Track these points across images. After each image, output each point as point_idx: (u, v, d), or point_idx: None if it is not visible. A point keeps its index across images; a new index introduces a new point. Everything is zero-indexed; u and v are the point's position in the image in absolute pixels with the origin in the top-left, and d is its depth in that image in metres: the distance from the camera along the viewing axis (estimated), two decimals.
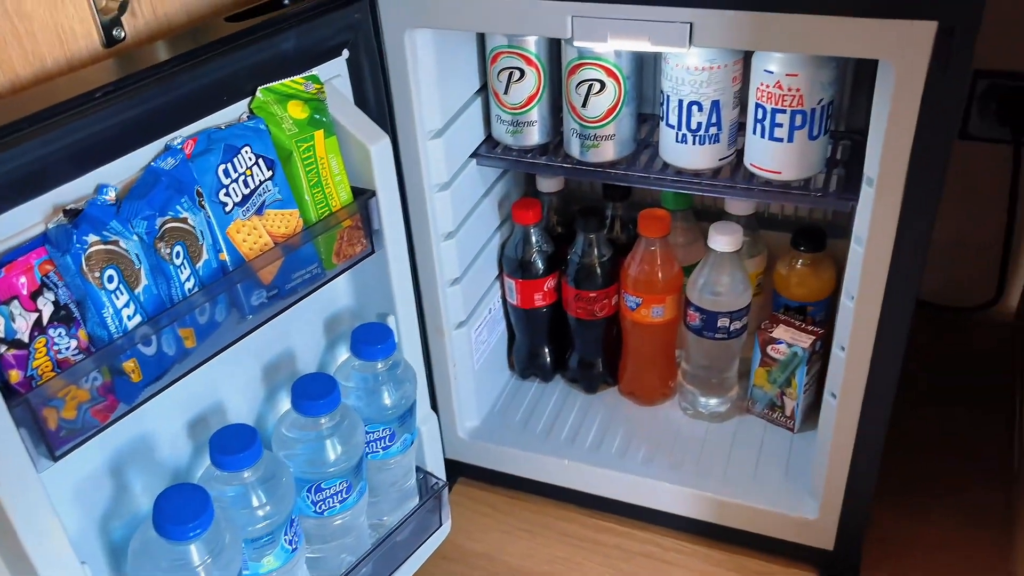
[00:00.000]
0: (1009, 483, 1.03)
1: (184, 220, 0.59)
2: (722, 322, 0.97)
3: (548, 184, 1.05)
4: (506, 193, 1.06)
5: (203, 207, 0.61)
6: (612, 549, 1.00)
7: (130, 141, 0.59)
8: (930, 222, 0.71)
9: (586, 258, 1.02)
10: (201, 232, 0.61)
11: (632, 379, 1.09)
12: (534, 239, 1.03)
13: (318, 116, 0.67)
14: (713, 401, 1.05)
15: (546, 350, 1.12)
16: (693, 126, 0.84)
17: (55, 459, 0.53)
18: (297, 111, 0.66)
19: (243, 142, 0.63)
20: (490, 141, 0.96)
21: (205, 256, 0.61)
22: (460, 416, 1.04)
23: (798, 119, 0.80)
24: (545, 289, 1.05)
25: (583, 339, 1.09)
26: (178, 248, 0.59)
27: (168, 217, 0.58)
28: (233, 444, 0.64)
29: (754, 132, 0.83)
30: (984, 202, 1.20)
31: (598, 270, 1.02)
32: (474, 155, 0.95)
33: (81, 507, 0.61)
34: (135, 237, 0.57)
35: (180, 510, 0.58)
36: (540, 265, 1.04)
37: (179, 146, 0.61)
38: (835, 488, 0.89)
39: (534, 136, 0.93)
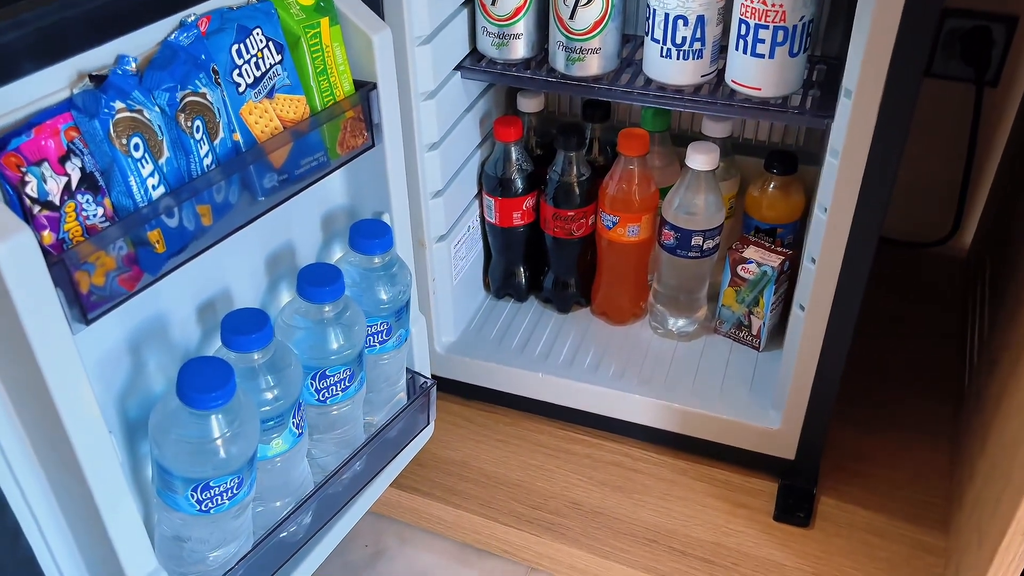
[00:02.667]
0: (957, 401, 1.08)
1: (203, 95, 0.60)
2: (696, 240, 1.00)
3: (529, 104, 1.06)
4: (487, 111, 1.07)
5: (219, 84, 0.61)
6: (583, 458, 1.04)
7: (147, 12, 0.59)
8: (904, 133, 0.74)
9: (565, 177, 1.04)
10: (218, 109, 0.61)
11: (605, 299, 1.12)
12: (514, 157, 1.04)
13: (323, 3, 0.67)
14: (682, 321, 1.09)
15: (521, 270, 1.14)
16: (678, 40, 0.86)
17: (87, 322, 0.54)
18: None
19: (255, 23, 0.63)
20: (475, 55, 0.97)
21: (222, 134, 0.62)
22: (438, 331, 1.06)
23: (780, 35, 0.82)
24: (524, 208, 1.07)
25: (559, 259, 1.11)
26: (198, 122, 0.59)
27: (188, 91, 0.59)
28: (245, 325, 0.65)
29: (736, 48, 0.85)
30: (944, 140, 1.24)
31: (576, 189, 1.04)
32: (459, 68, 0.96)
33: (101, 382, 0.62)
34: (157, 108, 0.57)
35: (204, 379, 0.59)
36: (519, 184, 1.06)
37: (194, 23, 0.61)
38: (799, 398, 0.93)
39: (519, 49, 0.94)
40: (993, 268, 1.13)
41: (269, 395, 0.68)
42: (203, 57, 0.61)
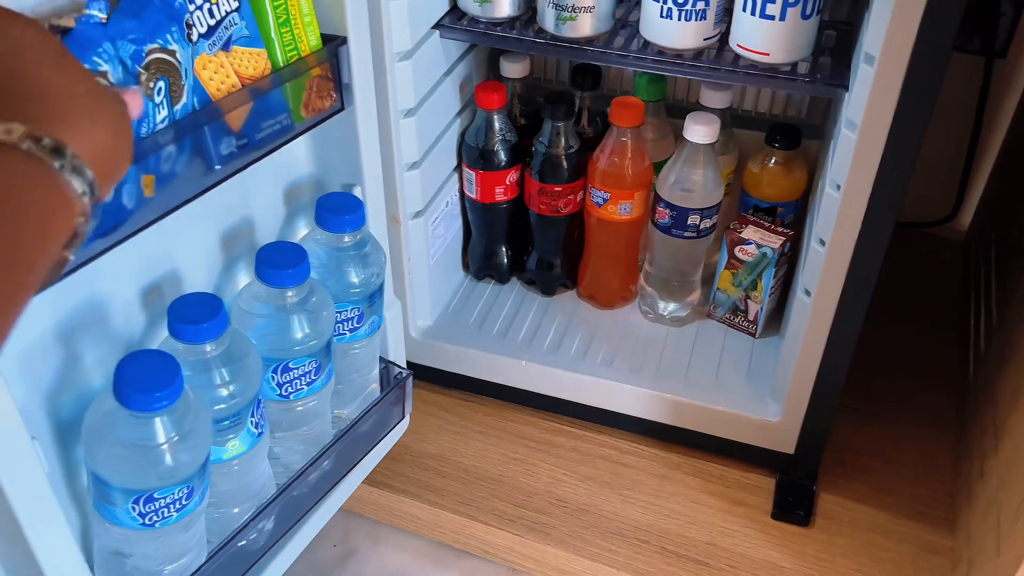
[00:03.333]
0: (960, 394, 1.03)
1: (172, 53, 0.51)
2: (692, 219, 0.93)
3: (513, 68, 0.98)
4: (468, 75, 0.99)
5: (191, 41, 0.53)
6: (569, 452, 0.97)
7: None
8: (931, 104, 0.68)
9: (552, 149, 0.96)
10: (185, 70, 0.53)
11: (593, 282, 1.05)
12: (497, 126, 0.96)
13: None
14: (674, 305, 1.02)
15: (504, 249, 1.07)
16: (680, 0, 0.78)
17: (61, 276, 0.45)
18: None
19: None
20: (455, 12, 0.89)
21: (184, 99, 0.53)
22: (413, 314, 0.99)
23: None
24: (507, 182, 0.99)
25: (544, 238, 1.04)
26: (161, 83, 0.51)
27: (156, 45, 0.50)
28: (196, 313, 0.57)
29: (744, 8, 0.77)
30: (947, 115, 1.18)
31: (564, 163, 0.97)
32: (437, 26, 0.87)
33: (27, 379, 0.54)
34: (119, 63, 0.48)
35: (146, 376, 0.51)
36: (503, 156, 0.98)
37: None
38: (801, 390, 0.87)
39: (504, 7, 0.86)
40: (998, 251, 1.08)
41: (224, 391, 0.60)
42: (180, 7, 0.52)
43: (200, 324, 0.57)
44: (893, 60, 0.67)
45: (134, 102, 0.44)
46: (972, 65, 1.14)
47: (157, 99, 0.51)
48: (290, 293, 0.64)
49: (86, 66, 0.40)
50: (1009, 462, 0.78)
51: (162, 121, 0.52)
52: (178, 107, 0.53)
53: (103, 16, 0.48)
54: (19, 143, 0.31)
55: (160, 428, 0.53)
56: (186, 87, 0.53)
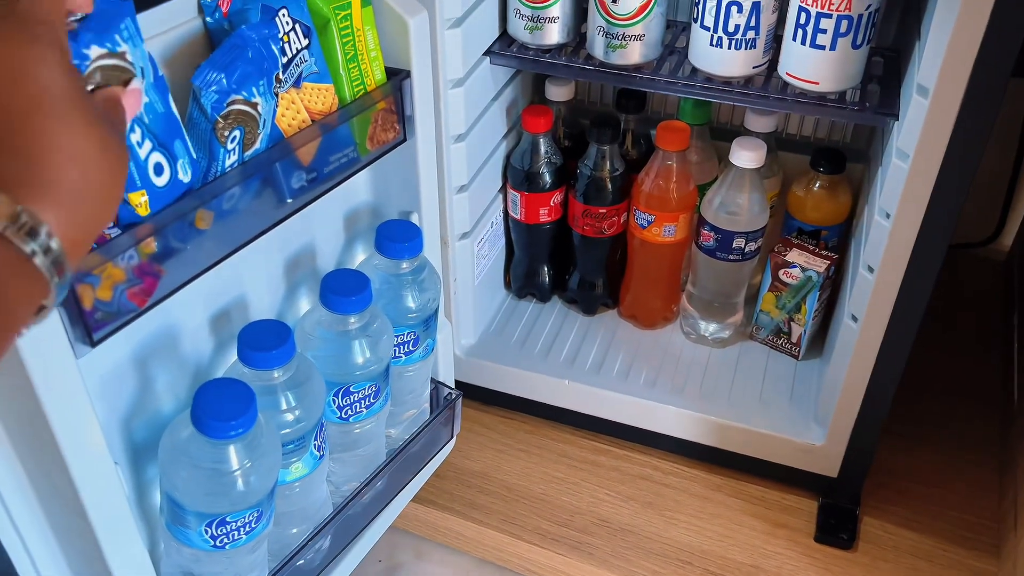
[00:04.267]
0: (1003, 417, 1.03)
1: (255, 105, 0.53)
2: (737, 243, 0.94)
3: (558, 92, 0.99)
4: (514, 99, 1.00)
5: (276, 95, 0.54)
6: (610, 471, 0.98)
7: None
8: (984, 137, 0.68)
9: (598, 171, 0.97)
10: (264, 121, 0.54)
11: (634, 302, 1.06)
12: (543, 149, 0.98)
13: None
14: (716, 326, 1.03)
15: (545, 269, 1.08)
16: (730, 29, 0.79)
17: (93, 344, 0.47)
18: None
19: (280, 3, 0.56)
20: (504, 39, 0.90)
21: (257, 145, 0.55)
22: (457, 333, 1.00)
23: (843, 25, 0.75)
24: (551, 204, 1.01)
25: (586, 258, 1.05)
26: (236, 132, 0.52)
27: (240, 97, 0.52)
28: (265, 340, 0.58)
29: (794, 38, 0.78)
30: (992, 137, 1.17)
31: (609, 185, 0.98)
32: (488, 53, 0.89)
33: (106, 403, 0.56)
34: (199, 110, 0.50)
35: (223, 405, 0.53)
36: (547, 178, 0.99)
37: (214, 2, 0.54)
38: (846, 414, 0.87)
39: (554, 34, 0.87)
40: None
41: (290, 416, 0.61)
42: (271, 58, 0.54)
43: (270, 351, 0.59)
44: (948, 93, 0.67)
45: (131, 101, 0.43)
46: (1017, 85, 1.14)
47: (230, 146, 0.52)
48: (353, 320, 0.66)
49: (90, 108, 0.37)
50: None
51: (231, 165, 0.54)
52: (248, 152, 0.55)
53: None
54: None
55: (234, 455, 0.54)
56: (262, 135, 0.55)
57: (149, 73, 0.47)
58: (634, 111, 1.00)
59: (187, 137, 0.51)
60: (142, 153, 0.48)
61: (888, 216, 0.76)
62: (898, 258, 0.76)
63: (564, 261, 1.08)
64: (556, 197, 1.01)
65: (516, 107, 1.01)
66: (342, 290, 0.64)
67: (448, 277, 0.94)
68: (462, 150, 0.88)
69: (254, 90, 0.52)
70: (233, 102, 0.51)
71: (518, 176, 0.99)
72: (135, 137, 0.47)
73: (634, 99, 0.99)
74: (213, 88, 0.50)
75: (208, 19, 0.54)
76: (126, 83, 0.43)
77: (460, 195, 0.91)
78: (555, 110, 1.00)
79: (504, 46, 0.90)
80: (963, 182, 0.70)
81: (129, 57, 0.46)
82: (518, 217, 1.02)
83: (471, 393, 1.03)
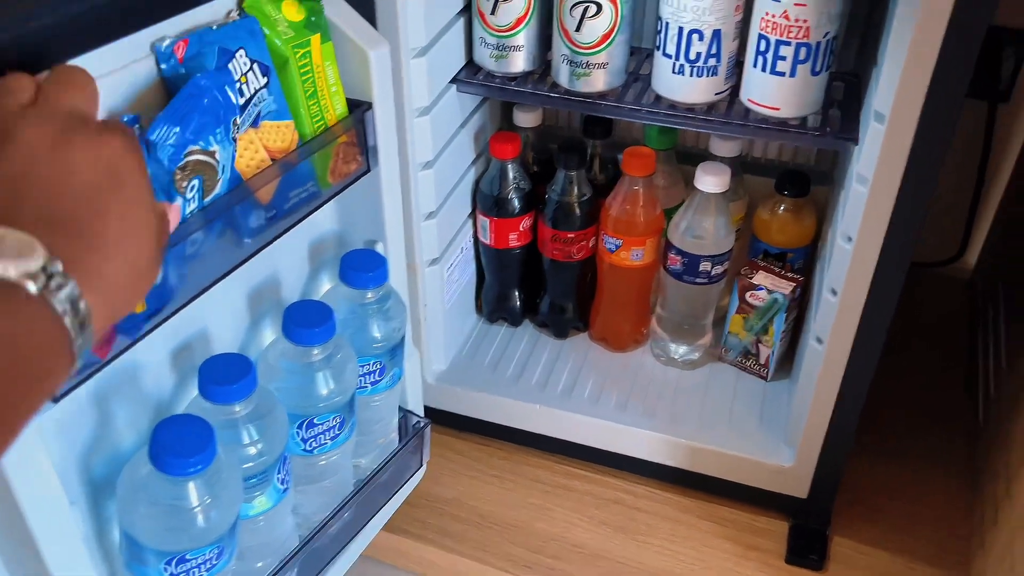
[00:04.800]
0: (971, 434, 1.04)
1: (212, 153, 0.53)
2: (704, 266, 0.95)
3: (526, 118, 1.00)
4: (482, 125, 1.01)
5: (234, 140, 0.54)
6: (583, 496, 0.98)
7: (100, 33, 0.51)
8: (939, 161, 0.69)
9: (565, 197, 0.98)
10: (223, 167, 0.54)
11: (605, 325, 1.06)
12: (511, 175, 0.98)
13: (314, 19, 0.60)
14: (686, 348, 1.03)
15: (516, 293, 1.08)
16: (692, 56, 0.80)
17: (56, 400, 0.47)
18: (292, 12, 0.59)
19: (237, 44, 0.56)
20: (471, 67, 0.91)
21: (217, 190, 0.55)
22: (427, 359, 1.00)
23: (802, 52, 0.76)
24: (520, 229, 1.01)
25: (556, 282, 1.05)
26: (195, 182, 0.52)
27: (197, 147, 0.52)
28: (226, 374, 0.58)
29: (755, 65, 0.79)
30: (954, 158, 1.19)
31: (577, 210, 0.98)
32: (454, 81, 0.89)
33: (63, 443, 0.55)
34: (154, 162, 0.50)
35: (181, 441, 0.52)
36: (516, 203, 0.99)
37: (169, 48, 0.54)
38: (814, 435, 0.88)
39: (519, 62, 0.88)
40: (1006, 293, 1.09)
41: (252, 450, 0.61)
42: (228, 105, 0.54)
43: (230, 385, 0.58)
44: (903, 118, 0.68)
45: (174, 218, 0.47)
46: (976, 107, 1.16)
47: (189, 195, 0.52)
48: (316, 351, 0.65)
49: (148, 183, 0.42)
50: (1021, 505, 0.79)
51: (191, 212, 0.54)
52: (209, 198, 0.55)
53: (136, 129, 0.49)
54: (36, 281, 0.33)
55: (194, 491, 0.54)
56: (221, 180, 0.55)
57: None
58: (601, 137, 1.01)
59: None
60: None
61: (850, 239, 0.76)
62: (860, 281, 0.77)
63: (535, 285, 1.08)
64: (525, 222, 1.01)
65: (484, 133, 1.02)
66: (304, 321, 0.64)
67: (418, 303, 0.94)
68: (430, 177, 0.88)
69: (211, 139, 0.52)
70: (190, 153, 0.51)
71: (487, 202, 1.00)
72: None
73: (601, 125, 1.00)
74: (169, 142, 0.50)
75: (163, 66, 0.54)
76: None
77: (428, 222, 0.91)
78: (523, 136, 1.01)
79: (470, 74, 0.90)
80: (921, 205, 0.71)
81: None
82: (488, 242, 1.02)
83: (444, 419, 1.03)
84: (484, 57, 0.88)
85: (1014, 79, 1.14)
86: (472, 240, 1.05)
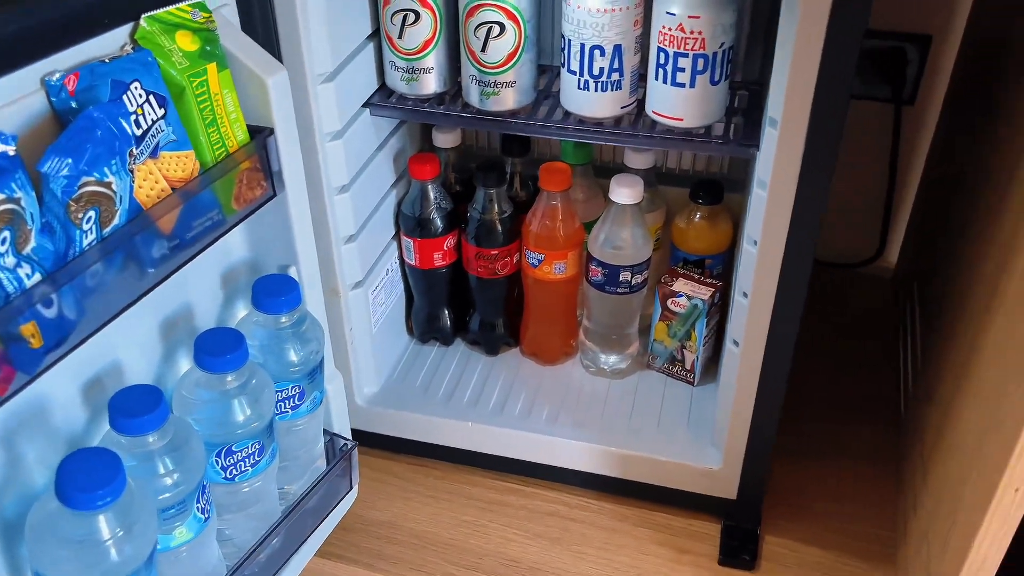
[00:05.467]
0: (896, 429, 1.07)
1: (109, 184, 0.53)
2: (624, 276, 0.97)
3: (445, 139, 1.01)
4: (401, 148, 1.02)
5: (131, 171, 0.54)
6: (519, 510, 0.99)
7: None
8: (832, 162, 0.72)
9: (486, 215, 0.99)
10: (120, 197, 0.54)
11: (534, 339, 1.07)
12: (432, 196, 0.99)
13: (209, 48, 0.61)
14: (614, 358, 1.05)
15: (446, 312, 1.09)
16: (595, 72, 0.82)
17: None
18: (187, 42, 0.59)
19: (132, 76, 0.56)
20: (384, 90, 0.92)
21: (116, 221, 0.55)
22: (358, 382, 1.00)
23: (700, 63, 0.79)
24: (445, 248, 1.02)
25: (484, 299, 1.06)
26: (91, 213, 0.52)
27: (92, 179, 0.52)
28: (136, 405, 0.58)
29: (656, 78, 0.82)
30: (866, 160, 1.24)
31: (499, 227, 0.99)
32: (367, 104, 0.90)
33: None
34: (37, 195, 0.50)
35: (87, 476, 0.52)
36: (439, 223, 1.00)
37: (59, 82, 0.54)
38: (738, 436, 0.89)
39: (431, 84, 0.89)
40: (922, 290, 1.13)
41: (168, 480, 0.61)
42: (123, 136, 0.54)
43: (140, 416, 0.58)
44: (794, 122, 0.71)
45: None
46: (886, 111, 1.20)
47: (86, 227, 0.52)
48: (230, 378, 0.65)
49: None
50: (936, 497, 0.81)
51: (89, 244, 0.54)
52: (107, 229, 0.55)
53: (11, 148, 0.49)
54: None
55: (104, 525, 0.53)
56: (119, 211, 0.55)
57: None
58: (519, 154, 1.03)
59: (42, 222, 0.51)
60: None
61: (755, 243, 0.79)
62: (768, 283, 0.79)
63: (463, 303, 1.09)
64: (449, 241, 1.02)
65: (404, 155, 1.03)
66: (215, 349, 0.64)
67: (343, 327, 0.94)
68: (347, 200, 0.89)
69: (106, 170, 0.52)
70: (84, 184, 0.51)
71: (410, 223, 1.00)
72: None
73: (519, 143, 1.02)
74: (62, 173, 0.50)
75: (54, 99, 0.54)
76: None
77: (349, 245, 0.91)
78: (443, 156, 1.02)
79: (383, 97, 0.91)
80: (818, 206, 0.74)
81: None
82: (413, 263, 1.03)
83: (377, 442, 1.03)
84: (396, 80, 0.89)
85: (918, 82, 1.19)
86: (398, 261, 1.05)
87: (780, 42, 0.70)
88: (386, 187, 0.99)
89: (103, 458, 0.55)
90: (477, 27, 0.82)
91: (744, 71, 0.96)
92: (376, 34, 0.89)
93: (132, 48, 0.60)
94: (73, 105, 0.56)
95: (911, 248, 1.26)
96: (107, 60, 0.58)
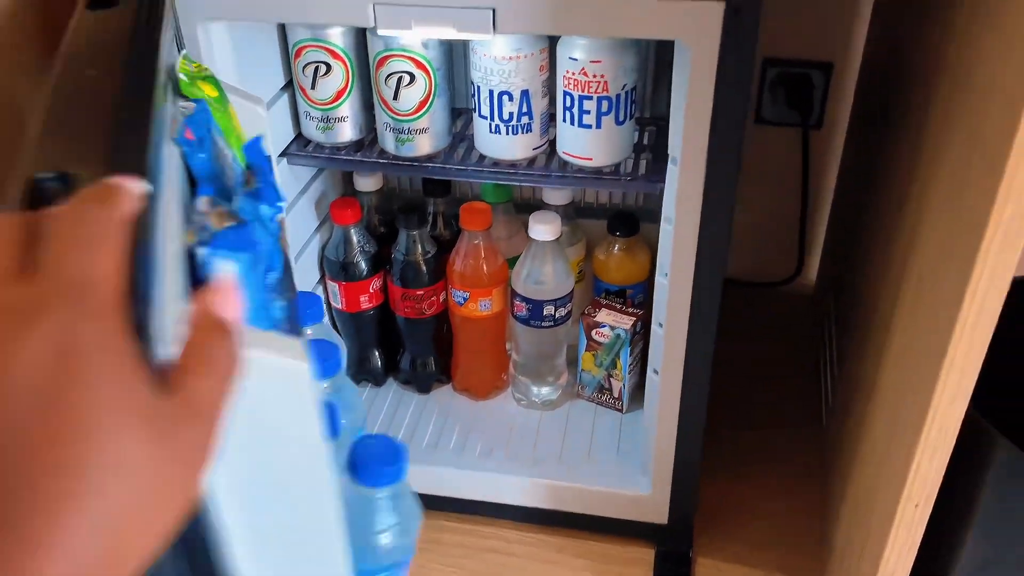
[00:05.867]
0: (821, 445, 1.10)
1: None
2: (548, 310, 0.99)
3: (366, 183, 1.03)
4: (323, 193, 1.03)
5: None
6: (454, 548, 0.99)
7: None
8: (732, 195, 0.75)
9: (410, 256, 1.00)
10: None
11: (465, 375, 1.09)
12: (355, 239, 1.00)
13: (220, 91, 0.61)
14: (545, 390, 1.06)
15: (376, 353, 1.10)
16: (505, 116, 0.84)
17: None
18: (209, 89, 0.59)
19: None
20: (301, 139, 0.93)
21: None
22: None
23: (604, 105, 0.82)
24: (371, 290, 1.03)
25: (413, 339, 1.07)
26: None
27: None
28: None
29: (564, 120, 0.84)
30: (781, 182, 1.28)
31: (423, 267, 1.01)
32: (284, 154, 0.91)
33: None
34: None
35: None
36: (364, 266, 1.01)
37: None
38: (664, 462, 0.91)
39: (346, 132, 0.90)
40: (838, 307, 1.17)
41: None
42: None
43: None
44: (692, 159, 0.73)
45: (230, 302, 0.31)
46: (792, 134, 1.25)
47: None
48: None
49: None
50: (852, 508, 0.84)
51: None
52: None
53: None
54: None
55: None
56: None
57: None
58: (441, 195, 1.04)
59: None
60: None
61: (666, 275, 0.81)
62: (680, 313, 0.81)
63: (393, 343, 1.10)
64: (375, 283, 1.03)
65: (326, 200, 1.04)
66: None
67: None
68: None
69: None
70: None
71: (334, 267, 1.01)
72: None
73: (440, 184, 1.03)
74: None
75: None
76: None
77: None
78: (366, 200, 1.03)
79: (300, 146, 0.92)
80: (723, 238, 0.77)
81: None
82: (340, 307, 1.04)
83: None
84: (311, 129, 0.90)
85: (824, 107, 1.24)
86: (325, 306, 1.06)
87: (675, 85, 0.73)
88: (310, 232, 1.00)
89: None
90: (387, 77, 0.84)
91: (651, 107, 0.99)
92: (289, 85, 0.91)
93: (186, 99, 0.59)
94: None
95: (828, 265, 1.30)
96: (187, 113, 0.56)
